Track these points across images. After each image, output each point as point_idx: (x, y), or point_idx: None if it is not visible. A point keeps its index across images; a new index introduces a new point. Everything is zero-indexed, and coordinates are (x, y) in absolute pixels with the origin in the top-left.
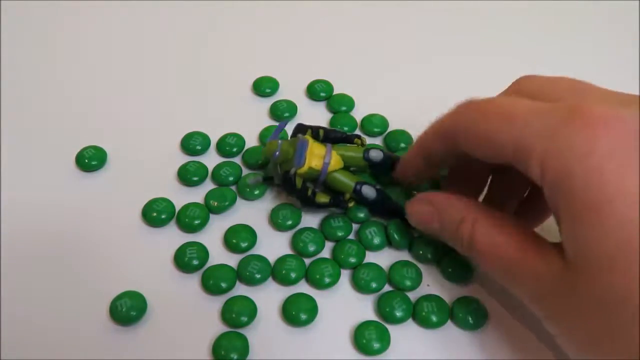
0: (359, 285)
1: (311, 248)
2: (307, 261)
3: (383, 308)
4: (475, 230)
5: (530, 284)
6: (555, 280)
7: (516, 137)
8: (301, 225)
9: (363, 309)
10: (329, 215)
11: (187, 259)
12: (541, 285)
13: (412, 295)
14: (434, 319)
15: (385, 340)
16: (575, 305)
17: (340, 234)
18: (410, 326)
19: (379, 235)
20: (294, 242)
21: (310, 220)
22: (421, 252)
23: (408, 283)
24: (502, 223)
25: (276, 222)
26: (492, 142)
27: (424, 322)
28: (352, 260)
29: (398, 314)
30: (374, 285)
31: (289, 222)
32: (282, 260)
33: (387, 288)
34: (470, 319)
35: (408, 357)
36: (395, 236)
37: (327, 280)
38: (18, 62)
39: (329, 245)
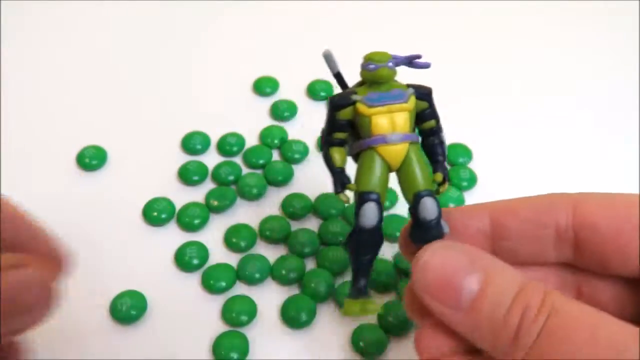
0: (341, 303)
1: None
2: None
3: (384, 317)
4: (554, 309)
5: None
6: None
7: None
8: (301, 226)
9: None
10: (328, 219)
11: (187, 258)
12: None
13: None
14: None
15: (381, 343)
16: None
17: (337, 239)
18: (411, 331)
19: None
20: (289, 244)
21: (309, 222)
22: None
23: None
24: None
25: (264, 234)
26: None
27: None
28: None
29: (399, 324)
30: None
31: (277, 235)
32: (281, 260)
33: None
34: None
35: None
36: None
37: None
38: (18, 62)
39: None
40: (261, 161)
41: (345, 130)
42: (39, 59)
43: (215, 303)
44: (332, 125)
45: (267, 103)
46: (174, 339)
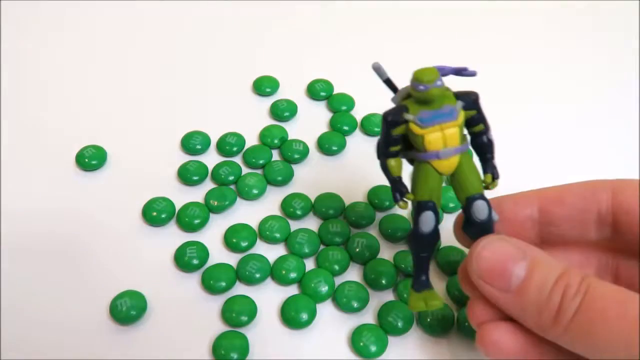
0: (341, 303)
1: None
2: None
3: (384, 317)
4: (590, 289)
5: None
6: None
7: None
8: (301, 226)
9: (363, 312)
10: (328, 219)
11: (187, 258)
12: None
13: None
14: (437, 327)
15: (382, 343)
16: None
17: (337, 239)
18: (411, 331)
19: (367, 249)
20: (289, 244)
21: (309, 222)
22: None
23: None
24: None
25: (264, 234)
26: None
27: (429, 329)
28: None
29: (399, 324)
30: (355, 305)
31: (277, 235)
32: (281, 260)
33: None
34: None
35: None
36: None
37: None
38: (18, 62)
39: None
40: (261, 161)
41: (399, 143)
42: (39, 59)
43: (215, 303)
44: (388, 140)
45: (267, 103)
46: (174, 339)
